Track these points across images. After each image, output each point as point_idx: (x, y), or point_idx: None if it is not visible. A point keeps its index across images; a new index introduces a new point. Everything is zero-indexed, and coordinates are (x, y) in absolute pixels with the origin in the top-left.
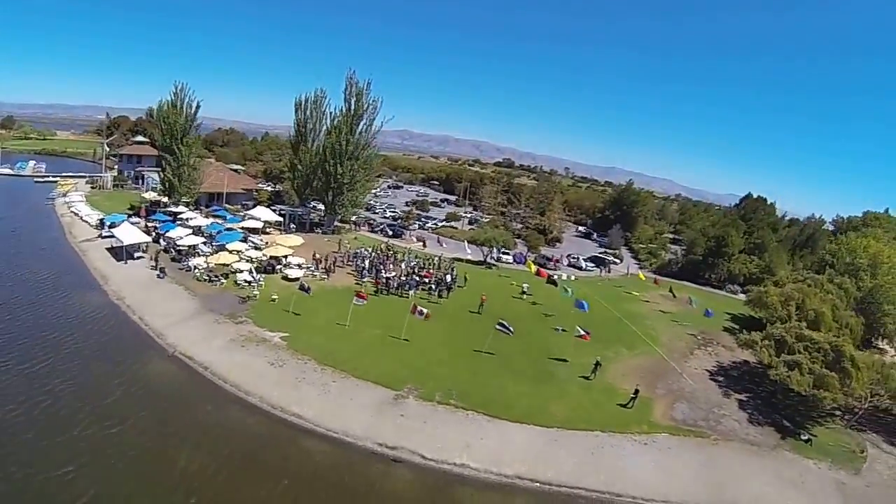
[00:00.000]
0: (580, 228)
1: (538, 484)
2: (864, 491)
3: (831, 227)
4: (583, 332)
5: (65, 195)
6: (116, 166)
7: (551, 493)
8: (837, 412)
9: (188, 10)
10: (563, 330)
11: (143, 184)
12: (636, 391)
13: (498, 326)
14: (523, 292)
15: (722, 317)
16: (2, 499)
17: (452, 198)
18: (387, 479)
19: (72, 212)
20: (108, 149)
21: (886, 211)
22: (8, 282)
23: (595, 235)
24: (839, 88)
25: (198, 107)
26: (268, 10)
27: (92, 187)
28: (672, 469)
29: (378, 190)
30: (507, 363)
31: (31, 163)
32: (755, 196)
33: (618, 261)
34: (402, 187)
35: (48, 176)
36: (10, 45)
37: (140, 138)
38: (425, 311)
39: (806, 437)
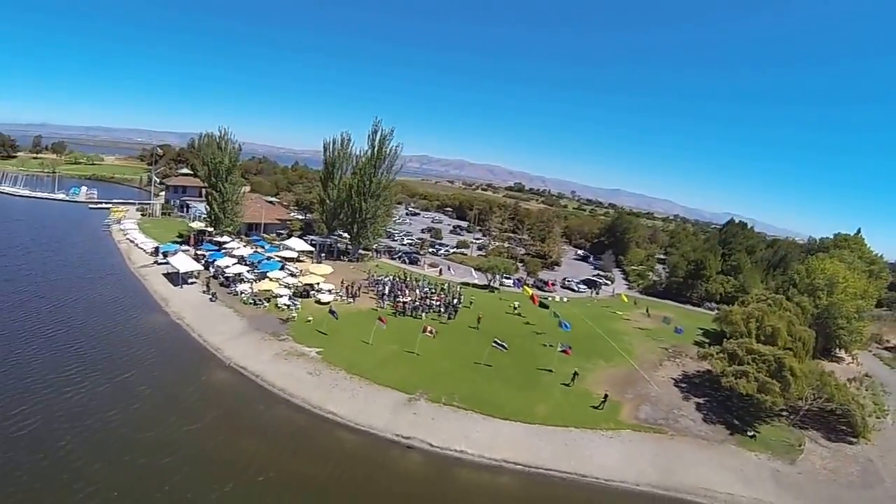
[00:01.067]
0: (579, 252)
1: (521, 466)
2: (795, 478)
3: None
4: (565, 348)
5: (119, 222)
6: (163, 194)
7: (531, 474)
8: (784, 412)
9: (223, 38)
10: (550, 345)
11: (187, 212)
12: (605, 395)
13: (494, 344)
14: (515, 309)
15: (695, 332)
16: (115, 477)
17: (464, 224)
18: (402, 461)
19: (127, 238)
20: (156, 179)
21: (858, 232)
22: (85, 304)
23: (591, 259)
24: (834, 95)
25: (239, 149)
26: (295, 36)
27: (142, 214)
28: (631, 457)
29: (397, 218)
30: (501, 373)
31: (84, 188)
32: (737, 221)
33: (609, 282)
34: (419, 214)
35: (101, 202)
36: (59, 70)
37: (185, 170)
38: (434, 330)
39: (751, 434)
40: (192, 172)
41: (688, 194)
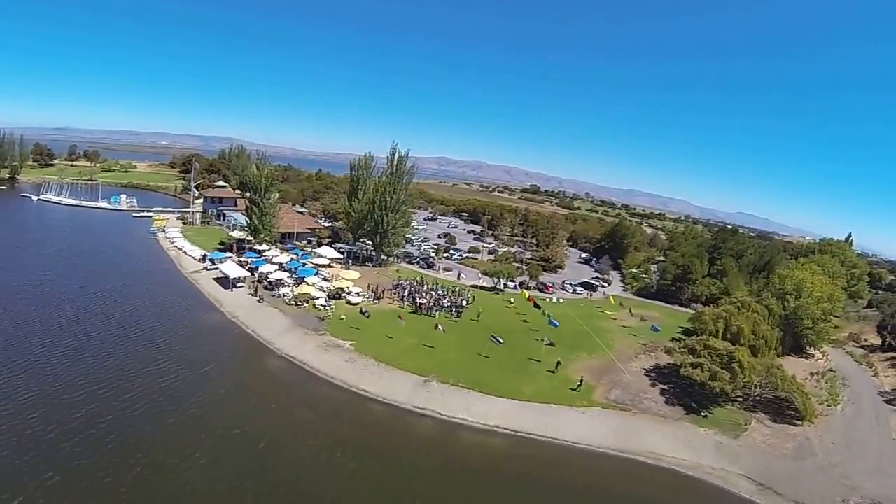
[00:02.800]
0: (583, 255)
1: (509, 431)
2: (735, 448)
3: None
4: (550, 342)
5: (163, 230)
6: (199, 202)
7: (516, 437)
8: (739, 398)
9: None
10: (540, 340)
11: (224, 221)
12: (581, 380)
13: (492, 339)
14: (511, 303)
15: (676, 330)
16: (221, 443)
17: (478, 228)
18: (418, 425)
19: (175, 246)
20: (195, 192)
21: (848, 237)
22: (154, 307)
23: (594, 262)
24: (836, 84)
25: (275, 169)
26: (313, 33)
27: (183, 223)
28: (597, 427)
29: (415, 224)
30: (497, 361)
31: (123, 196)
32: (730, 226)
33: (606, 285)
34: (436, 219)
35: (143, 211)
36: (84, 75)
37: (220, 182)
38: (444, 327)
39: (704, 414)
40: (226, 184)
41: (703, 194)
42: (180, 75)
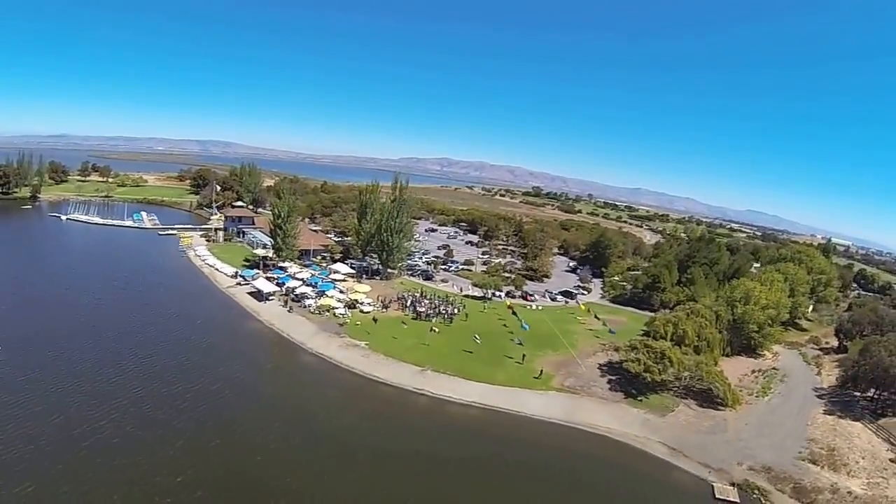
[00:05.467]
0: (571, 264)
1: (483, 405)
2: (658, 423)
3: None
4: (519, 340)
5: (192, 248)
6: (215, 218)
7: (488, 409)
8: (675, 387)
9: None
10: (513, 340)
11: (243, 237)
12: (541, 371)
13: (474, 338)
14: (486, 307)
15: (638, 332)
16: (278, 421)
17: (476, 238)
18: (416, 401)
19: (207, 264)
20: (217, 214)
21: (829, 241)
22: (204, 316)
23: (578, 271)
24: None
25: (296, 199)
26: (311, 35)
27: (207, 240)
28: (550, 405)
29: (417, 236)
30: (478, 356)
31: (144, 214)
32: (706, 238)
33: (585, 292)
34: (436, 230)
35: (168, 228)
36: (77, 82)
37: (239, 203)
38: (438, 330)
39: (640, 398)
40: (244, 204)
41: (711, 192)
42: (175, 79)
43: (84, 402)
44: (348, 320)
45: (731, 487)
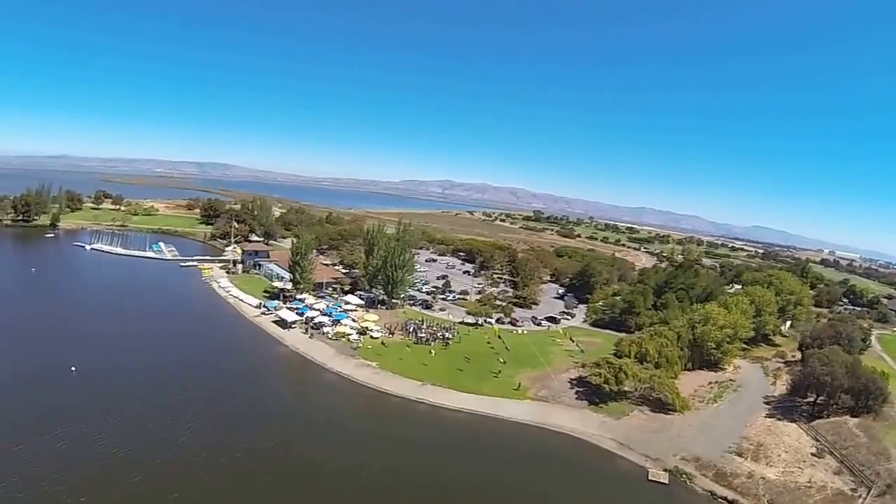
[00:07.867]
0: (559, 291)
1: (471, 411)
2: (613, 424)
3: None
4: (503, 360)
5: (215, 280)
6: (230, 250)
7: (475, 414)
8: (631, 396)
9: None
10: (498, 359)
11: (260, 270)
12: (519, 384)
13: (465, 359)
14: (478, 330)
15: (610, 351)
16: (301, 415)
17: (472, 269)
18: (417, 408)
19: (232, 295)
20: (236, 249)
21: (806, 262)
22: (236, 343)
23: (566, 297)
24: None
25: (311, 241)
26: (310, 56)
27: (226, 272)
28: (524, 411)
29: (418, 266)
30: (468, 373)
31: (162, 245)
32: (686, 265)
33: (569, 317)
34: (436, 260)
35: (187, 260)
36: (74, 103)
37: (255, 238)
38: (435, 353)
39: (601, 405)
40: (259, 239)
41: (716, 209)
42: (172, 99)
43: (163, 422)
44: (360, 344)
45: (663, 472)
